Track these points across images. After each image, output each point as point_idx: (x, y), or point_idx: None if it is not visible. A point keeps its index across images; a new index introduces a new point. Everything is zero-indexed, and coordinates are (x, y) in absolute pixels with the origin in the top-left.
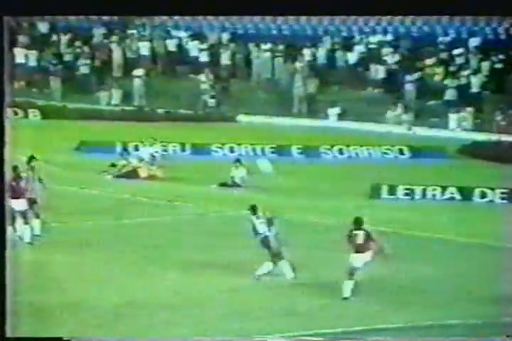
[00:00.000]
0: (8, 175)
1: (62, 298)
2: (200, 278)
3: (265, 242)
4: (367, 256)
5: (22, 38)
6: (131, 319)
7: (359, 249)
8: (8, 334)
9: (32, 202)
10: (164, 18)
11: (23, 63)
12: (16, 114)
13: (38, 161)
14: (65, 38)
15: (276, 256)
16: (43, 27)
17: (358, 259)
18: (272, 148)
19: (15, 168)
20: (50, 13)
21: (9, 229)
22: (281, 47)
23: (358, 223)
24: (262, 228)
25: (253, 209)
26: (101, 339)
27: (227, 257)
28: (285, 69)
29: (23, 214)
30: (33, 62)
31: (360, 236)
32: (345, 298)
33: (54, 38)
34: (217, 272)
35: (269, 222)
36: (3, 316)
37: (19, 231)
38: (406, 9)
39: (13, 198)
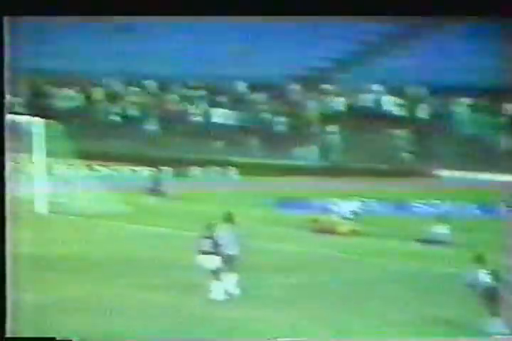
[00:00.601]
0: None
1: None
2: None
3: (491, 294)
4: None
5: (221, 98)
6: None
7: None
8: None
9: (230, 259)
10: (359, 71)
11: (222, 123)
12: (215, 171)
13: (236, 217)
14: (262, 96)
15: (496, 310)
16: (240, 86)
17: None
18: (476, 204)
19: (212, 225)
20: (51, 13)
21: (214, 284)
22: (482, 101)
23: None
24: (486, 278)
25: (479, 258)
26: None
27: (435, 314)
28: (487, 123)
29: (217, 273)
30: (231, 121)
31: None
32: None
33: (251, 96)
34: (431, 329)
35: (495, 274)
36: None
37: (215, 288)
38: None
39: (207, 254)
